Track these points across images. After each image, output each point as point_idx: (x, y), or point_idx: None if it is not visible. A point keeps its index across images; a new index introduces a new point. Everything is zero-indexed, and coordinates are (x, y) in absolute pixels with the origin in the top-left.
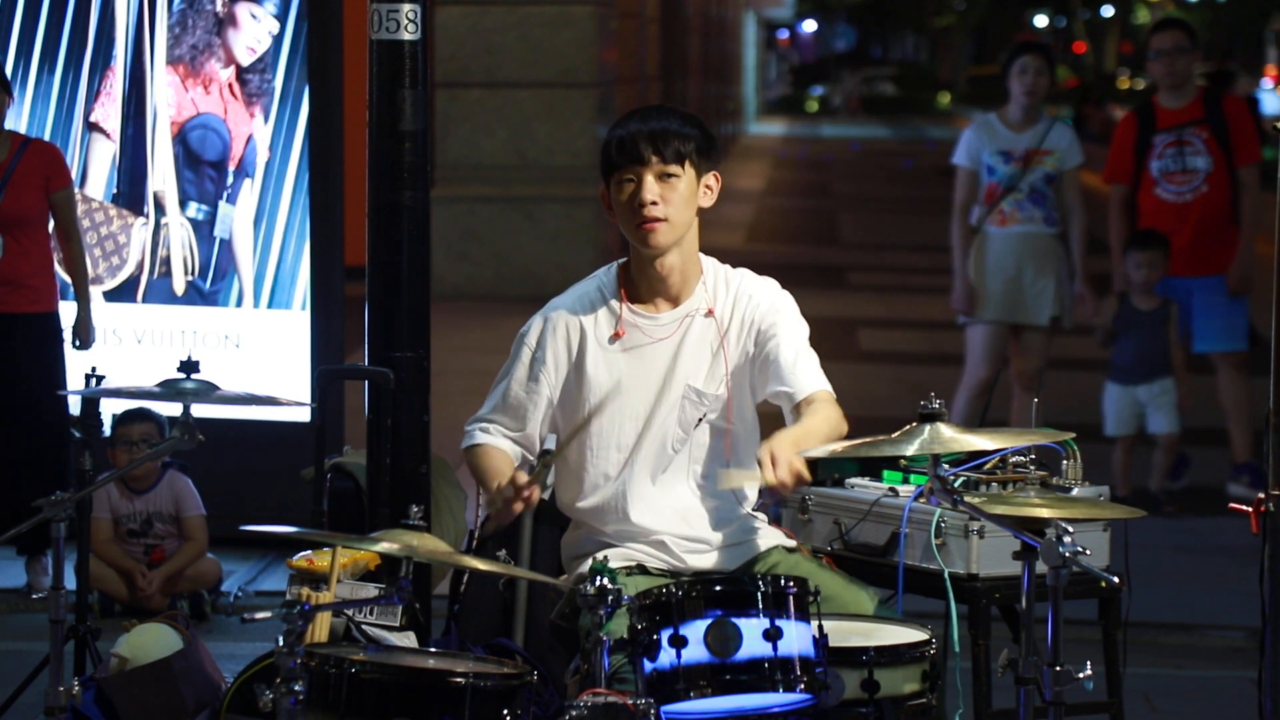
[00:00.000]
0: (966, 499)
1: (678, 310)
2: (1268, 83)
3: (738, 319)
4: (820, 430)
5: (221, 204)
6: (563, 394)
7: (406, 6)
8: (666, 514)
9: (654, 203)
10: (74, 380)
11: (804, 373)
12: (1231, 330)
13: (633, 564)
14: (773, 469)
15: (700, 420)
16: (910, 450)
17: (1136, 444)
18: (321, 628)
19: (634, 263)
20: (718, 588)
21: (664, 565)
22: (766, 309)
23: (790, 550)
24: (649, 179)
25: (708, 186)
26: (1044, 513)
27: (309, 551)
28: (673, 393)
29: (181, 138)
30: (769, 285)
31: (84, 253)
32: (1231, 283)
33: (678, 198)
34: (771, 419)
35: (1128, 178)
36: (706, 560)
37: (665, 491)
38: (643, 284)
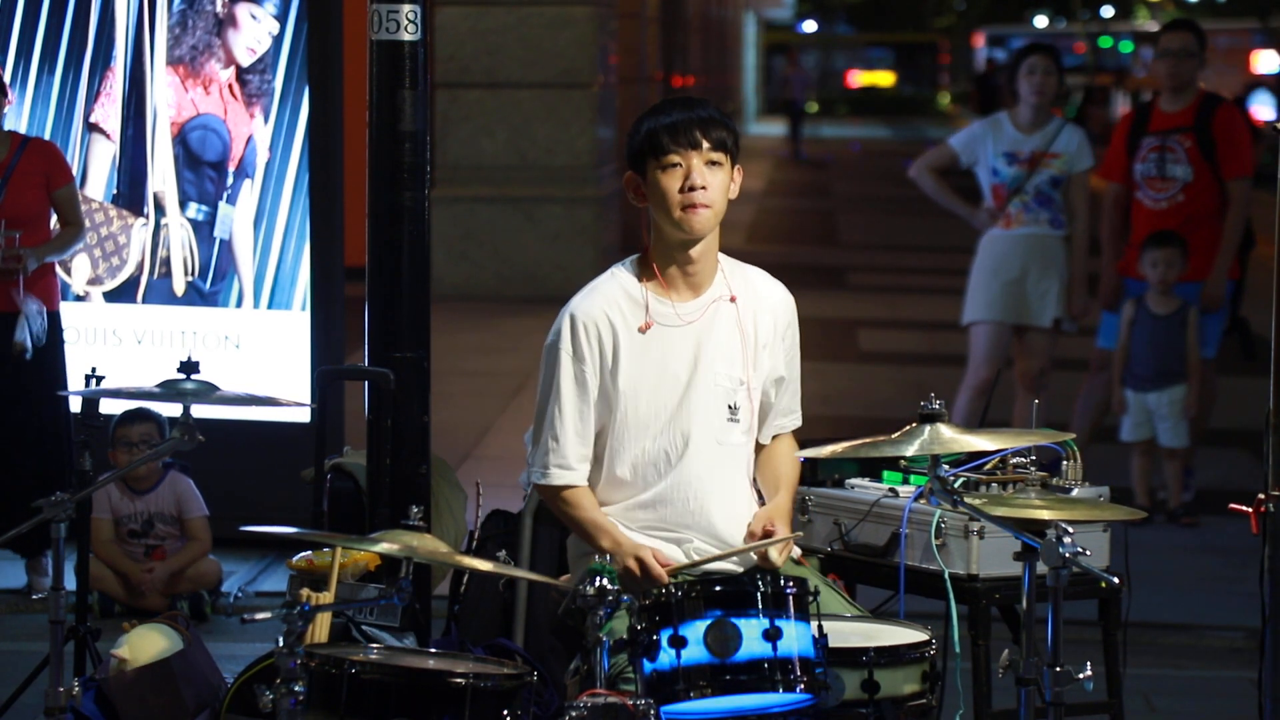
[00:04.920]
0: (966, 500)
1: (703, 297)
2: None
3: (766, 320)
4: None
5: (221, 204)
6: (600, 389)
7: (406, 7)
8: (701, 513)
9: (704, 188)
10: (74, 380)
11: (791, 412)
12: (1199, 338)
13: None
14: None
15: (732, 408)
16: (910, 451)
17: (1153, 449)
18: (321, 628)
19: (659, 251)
20: (717, 588)
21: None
22: (793, 332)
23: (796, 564)
24: (698, 163)
25: (733, 180)
26: (1044, 514)
27: (309, 552)
28: (707, 378)
29: (181, 138)
30: (787, 296)
31: (81, 237)
32: (1204, 298)
33: (719, 185)
34: None
35: (1120, 176)
36: (718, 567)
37: (703, 489)
38: (667, 273)
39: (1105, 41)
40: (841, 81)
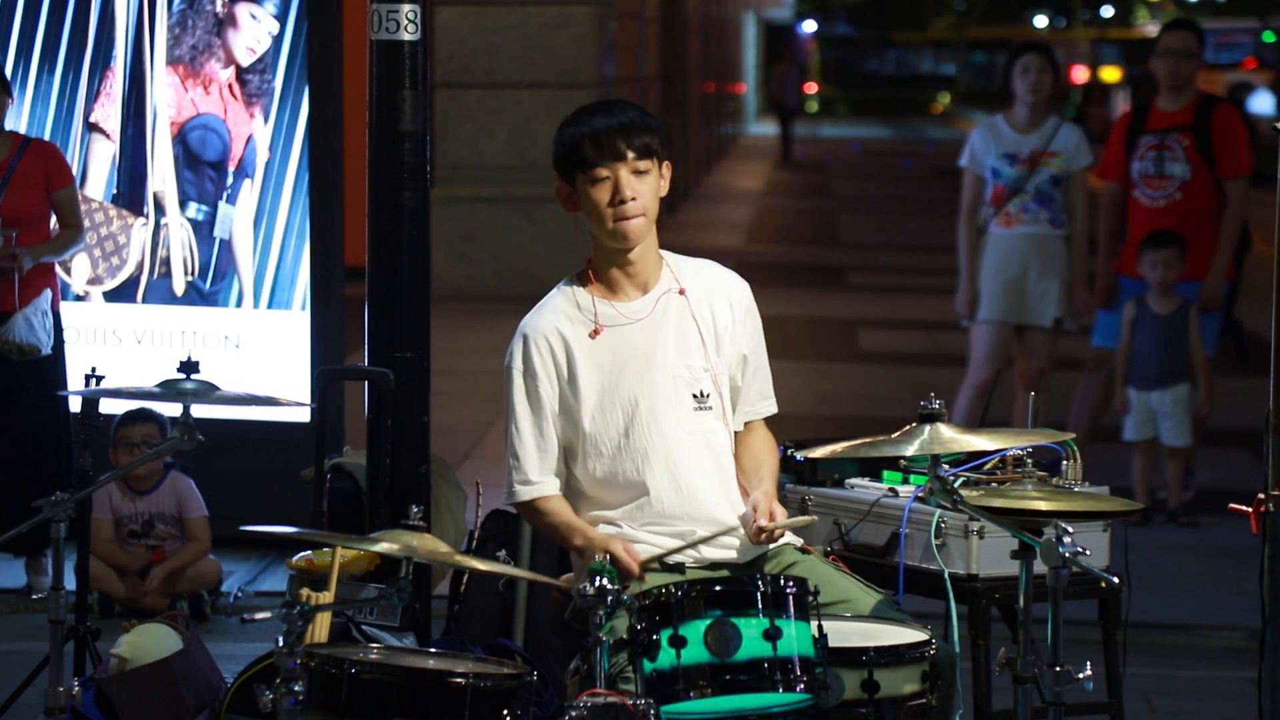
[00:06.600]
0: (965, 496)
1: (650, 294)
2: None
3: (723, 306)
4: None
5: (221, 204)
6: (560, 402)
7: (406, 6)
8: (692, 500)
9: (634, 199)
10: (74, 380)
11: (764, 397)
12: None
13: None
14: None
15: (700, 395)
16: (910, 450)
17: (1155, 449)
18: (321, 628)
19: (600, 259)
20: (717, 588)
21: (680, 557)
22: (753, 316)
23: (801, 551)
24: (625, 175)
25: (663, 177)
26: (1041, 505)
27: (309, 552)
28: (664, 370)
29: (181, 138)
30: (741, 282)
31: (80, 239)
32: (1202, 298)
33: (649, 191)
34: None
35: (1118, 175)
36: (723, 553)
37: (687, 478)
38: (611, 277)
39: (1269, 36)
40: (1066, 77)
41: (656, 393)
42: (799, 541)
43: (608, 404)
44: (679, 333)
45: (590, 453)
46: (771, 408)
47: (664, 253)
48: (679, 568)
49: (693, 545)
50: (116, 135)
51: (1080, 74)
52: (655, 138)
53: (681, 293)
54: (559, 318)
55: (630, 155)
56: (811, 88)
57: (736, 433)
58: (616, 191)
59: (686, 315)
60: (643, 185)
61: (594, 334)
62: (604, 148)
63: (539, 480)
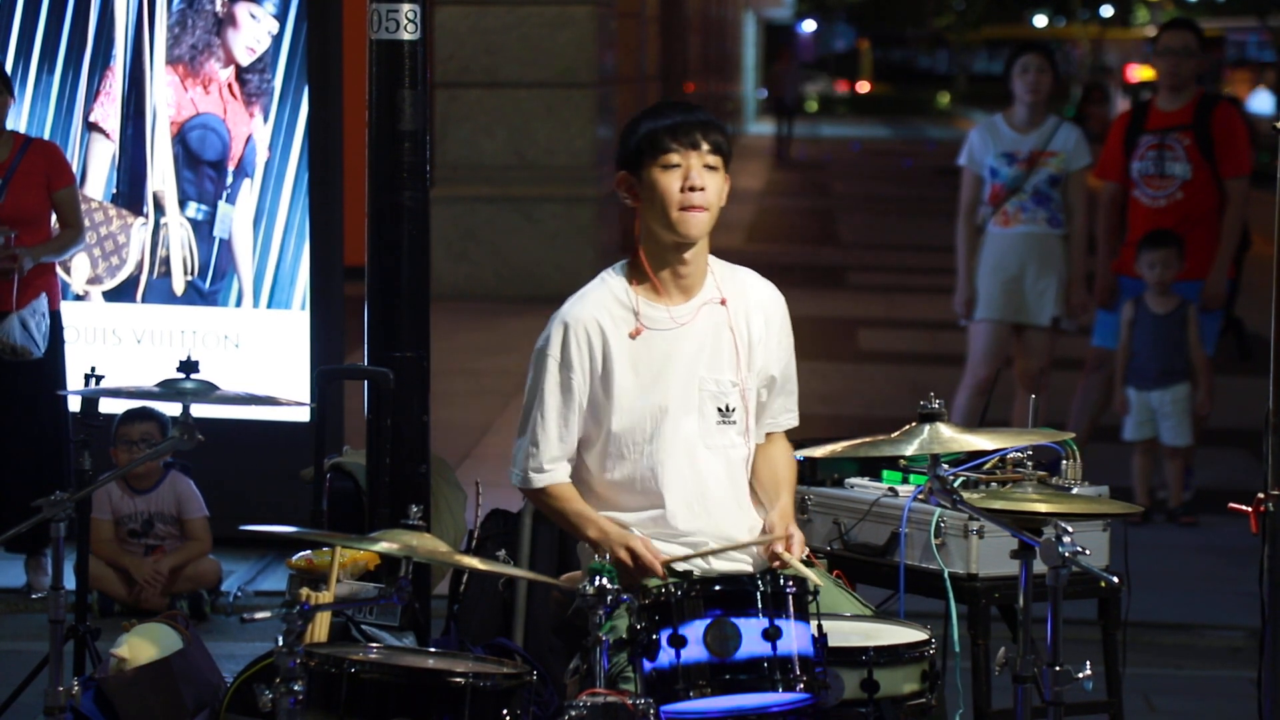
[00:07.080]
0: (965, 496)
1: (693, 301)
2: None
3: (758, 320)
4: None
5: (221, 204)
6: (590, 397)
7: (406, 6)
8: (706, 515)
9: (703, 189)
10: (74, 380)
11: (787, 410)
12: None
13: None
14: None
15: (725, 410)
16: (910, 450)
17: (1155, 449)
18: (321, 628)
19: (651, 255)
20: (717, 588)
21: (688, 566)
22: (785, 329)
23: (806, 563)
24: (697, 165)
25: (726, 181)
26: (1040, 508)
27: (309, 551)
28: (694, 382)
29: (181, 138)
30: (777, 295)
31: (80, 239)
32: (1204, 297)
33: (716, 189)
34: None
35: (1118, 175)
36: (735, 566)
37: (703, 492)
38: (659, 276)
39: None
40: (1121, 76)
41: (684, 403)
42: (805, 551)
43: (636, 408)
44: (714, 344)
45: (610, 454)
46: (793, 420)
47: (710, 258)
48: None
49: (714, 553)
50: (116, 135)
51: (1136, 73)
52: (726, 141)
53: (723, 303)
54: (601, 311)
55: (705, 147)
56: (864, 86)
57: (756, 444)
58: (687, 179)
59: (724, 327)
60: (711, 180)
61: (634, 334)
62: (681, 136)
63: (550, 469)
